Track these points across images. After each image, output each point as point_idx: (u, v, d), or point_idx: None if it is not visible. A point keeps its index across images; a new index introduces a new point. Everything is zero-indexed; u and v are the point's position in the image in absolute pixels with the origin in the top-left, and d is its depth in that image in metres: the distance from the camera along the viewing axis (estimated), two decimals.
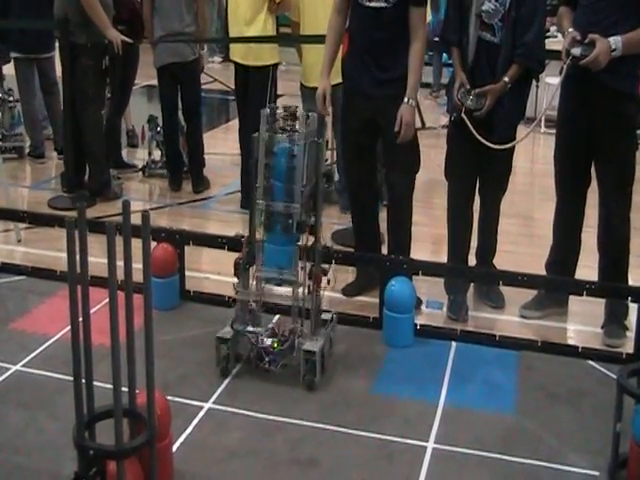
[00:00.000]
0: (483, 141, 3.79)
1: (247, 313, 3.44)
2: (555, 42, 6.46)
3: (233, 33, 5.62)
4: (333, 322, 3.57)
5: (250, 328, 3.39)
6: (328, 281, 3.47)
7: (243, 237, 3.52)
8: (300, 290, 3.39)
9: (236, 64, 5.62)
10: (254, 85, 5.47)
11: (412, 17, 3.83)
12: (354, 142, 4.13)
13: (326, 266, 3.46)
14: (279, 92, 5.79)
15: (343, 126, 4.24)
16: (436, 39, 6.11)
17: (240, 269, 3.43)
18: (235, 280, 3.44)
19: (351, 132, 4.14)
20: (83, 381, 2.36)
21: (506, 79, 3.80)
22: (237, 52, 5.56)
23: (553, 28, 7.34)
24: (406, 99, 3.87)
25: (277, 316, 3.75)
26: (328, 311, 3.58)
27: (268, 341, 3.33)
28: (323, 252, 3.46)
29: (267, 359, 3.32)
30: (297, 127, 3.31)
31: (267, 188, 3.31)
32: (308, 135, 3.30)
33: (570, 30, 3.62)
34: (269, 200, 3.31)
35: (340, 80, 4.19)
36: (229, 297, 3.83)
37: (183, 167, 6.09)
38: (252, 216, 3.43)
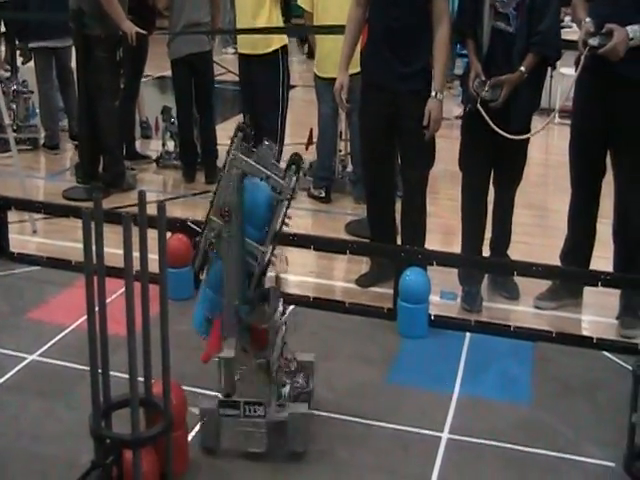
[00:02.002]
0: (500, 132, 3.77)
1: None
2: (569, 32, 6.41)
3: (240, 26, 5.62)
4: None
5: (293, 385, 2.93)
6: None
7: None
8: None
9: (240, 56, 5.62)
10: (260, 75, 5.47)
11: (436, 5, 3.80)
12: (372, 136, 4.10)
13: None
14: (292, 83, 5.78)
15: (361, 120, 4.20)
16: None
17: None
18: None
19: (369, 126, 4.11)
20: (99, 371, 2.38)
21: (522, 69, 3.77)
22: (245, 44, 5.55)
23: (567, 18, 7.27)
24: (433, 93, 3.84)
25: None
26: None
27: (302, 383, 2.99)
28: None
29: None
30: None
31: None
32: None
33: (587, 20, 3.59)
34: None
35: (357, 70, 4.17)
36: None
37: (197, 159, 6.10)
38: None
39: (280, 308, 2.92)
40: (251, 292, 2.81)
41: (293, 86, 5.94)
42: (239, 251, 2.77)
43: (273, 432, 2.81)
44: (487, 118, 3.79)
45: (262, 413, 2.78)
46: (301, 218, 5.32)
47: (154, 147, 6.63)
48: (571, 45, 3.94)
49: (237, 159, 2.75)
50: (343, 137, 5.83)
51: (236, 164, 2.75)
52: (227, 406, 2.79)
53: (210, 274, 2.89)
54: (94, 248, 2.27)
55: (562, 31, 4.21)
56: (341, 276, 4.53)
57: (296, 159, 2.78)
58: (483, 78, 3.81)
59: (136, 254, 2.28)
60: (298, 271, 4.44)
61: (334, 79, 4.20)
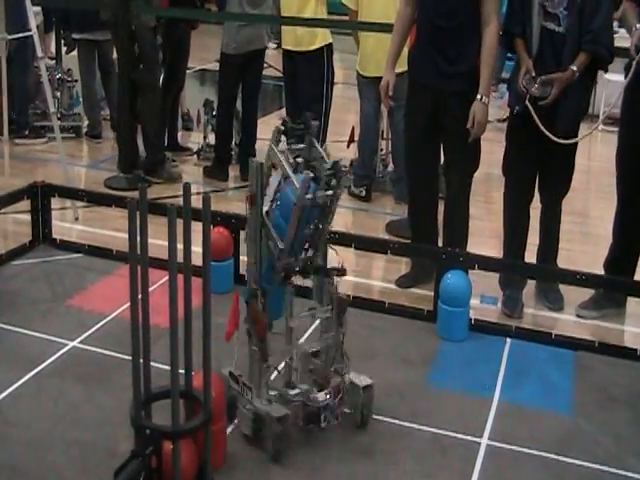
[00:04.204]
0: (547, 133, 3.71)
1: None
2: (617, 38, 6.30)
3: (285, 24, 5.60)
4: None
5: (293, 391, 2.85)
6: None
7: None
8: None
9: (284, 52, 5.60)
10: (304, 72, 5.44)
11: (485, 6, 3.75)
12: (416, 136, 4.06)
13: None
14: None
15: (406, 119, 4.17)
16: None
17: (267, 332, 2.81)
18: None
19: (414, 126, 4.07)
20: (141, 361, 2.38)
21: (574, 68, 3.69)
22: (288, 39, 5.52)
23: (615, 23, 7.15)
24: (479, 96, 3.79)
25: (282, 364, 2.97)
26: None
27: (321, 396, 2.83)
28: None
29: (326, 416, 2.83)
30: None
31: None
32: None
33: (638, 26, 3.54)
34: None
35: (402, 69, 4.14)
36: None
37: (231, 154, 6.06)
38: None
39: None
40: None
41: (335, 83, 5.90)
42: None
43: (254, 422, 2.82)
44: (535, 117, 3.71)
45: (249, 397, 2.83)
46: (341, 216, 5.31)
47: (195, 139, 6.63)
48: (619, 51, 3.86)
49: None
50: (384, 136, 5.80)
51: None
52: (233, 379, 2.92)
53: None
54: (138, 238, 2.27)
55: None
56: (380, 276, 4.50)
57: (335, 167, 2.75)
58: (533, 74, 3.73)
59: (179, 246, 2.28)
60: None
61: (377, 78, 4.17)
